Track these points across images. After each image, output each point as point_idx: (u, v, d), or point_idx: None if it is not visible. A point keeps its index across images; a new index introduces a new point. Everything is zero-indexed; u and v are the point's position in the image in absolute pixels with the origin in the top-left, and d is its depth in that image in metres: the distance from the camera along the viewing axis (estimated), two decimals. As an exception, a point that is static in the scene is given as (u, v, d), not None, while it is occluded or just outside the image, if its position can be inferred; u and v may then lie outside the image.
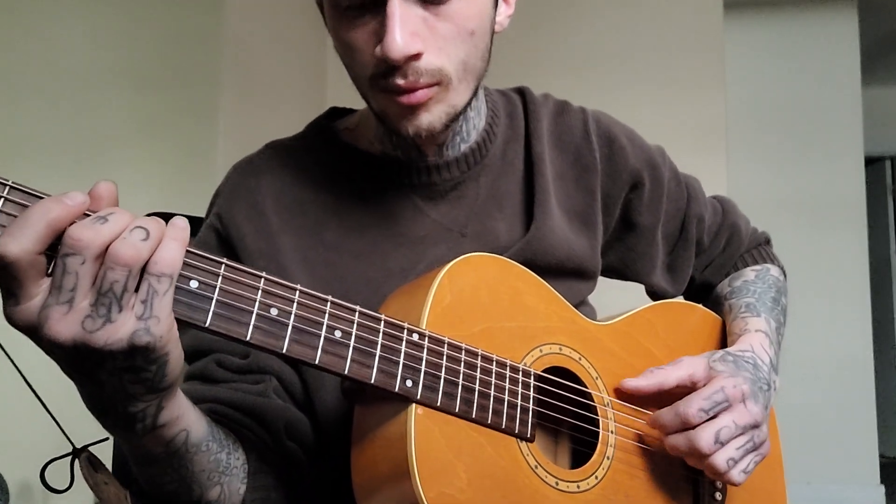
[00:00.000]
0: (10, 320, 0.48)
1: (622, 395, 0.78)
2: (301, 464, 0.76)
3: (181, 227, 0.50)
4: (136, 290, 0.48)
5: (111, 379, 0.50)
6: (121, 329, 0.47)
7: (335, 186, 0.83)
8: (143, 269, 0.48)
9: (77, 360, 0.48)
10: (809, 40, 3.84)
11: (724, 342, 0.94)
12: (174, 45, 2.20)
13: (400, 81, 0.68)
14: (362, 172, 0.84)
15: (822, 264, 3.67)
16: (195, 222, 0.88)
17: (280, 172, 0.84)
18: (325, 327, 0.57)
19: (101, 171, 2.05)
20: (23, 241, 0.45)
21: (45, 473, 0.57)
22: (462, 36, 0.70)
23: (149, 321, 0.48)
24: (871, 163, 4.92)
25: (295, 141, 0.88)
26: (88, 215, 0.48)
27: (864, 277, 3.73)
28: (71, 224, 0.46)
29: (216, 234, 0.81)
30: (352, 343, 0.58)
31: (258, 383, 0.76)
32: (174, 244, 0.49)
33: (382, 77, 0.69)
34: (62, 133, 2.01)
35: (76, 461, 0.58)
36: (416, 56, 0.68)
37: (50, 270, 0.47)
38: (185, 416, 0.59)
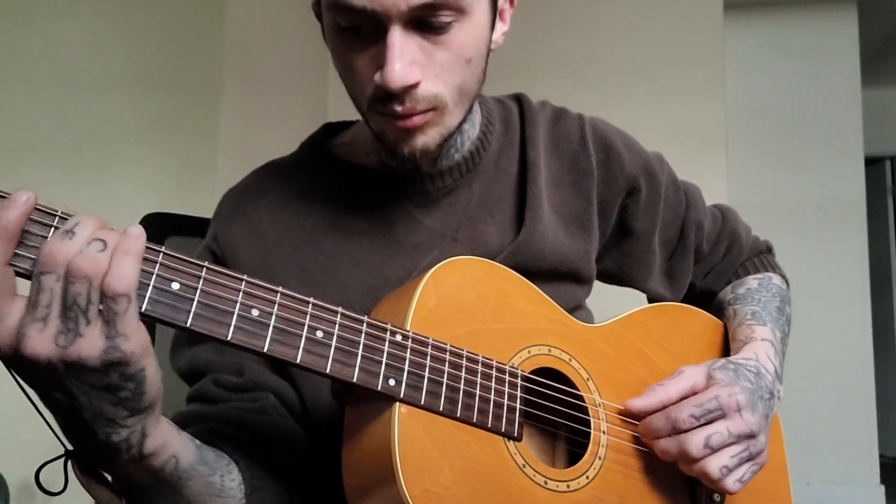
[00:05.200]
0: None
1: (625, 410, 0.78)
2: (299, 477, 0.77)
3: (135, 235, 0.50)
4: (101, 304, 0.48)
5: (90, 402, 0.50)
6: (91, 343, 0.48)
7: (331, 200, 0.84)
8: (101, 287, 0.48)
9: (54, 379, 0.49)
10: (809, 41, 3.84)
11: (726, 346, 0.94)
12: (176, 46, 2.21)
13: (398, 108, 0.70)
14: (358, 185, 0.85)
15: (822, 264, 3.67)
16: (196, 223, 0.90)
17: (276, 192, 0.85)
18: (306, 328, 0.58)
19: (102, 170, 2.06)
20: None
21: (41, 475, 0.58)
22: (459, 63, 0.72)
23: (116, 339, 0.48)
24: (871, 163, 4.91)
25: (290, 159, 0.90)
26: (55, 216, 0.49)
27: (864, 278, 3.73)
28: (23, 224, 0.48)
29: (212, 256, 0.83)
30: (333, 343, 0.59)
31: (256, 401, 0.77)
32: (127, 259, 0.49)
33: (380, 102, 0.71)
34: (64, 133, 2.02)
35: (69, 463, 0.58)
36: (415, 85, 0.69)
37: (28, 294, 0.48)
38: (171, 443, 0.59)
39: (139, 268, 0.50)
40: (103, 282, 0.48)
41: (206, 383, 0.78)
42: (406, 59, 0.68)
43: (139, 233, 0.50)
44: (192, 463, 0.62)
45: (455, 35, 0.70)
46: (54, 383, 0.49)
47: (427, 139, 0.74)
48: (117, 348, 0.48)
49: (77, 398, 0.50)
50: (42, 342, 0.47)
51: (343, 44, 0.72)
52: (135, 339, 0.49)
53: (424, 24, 0.68)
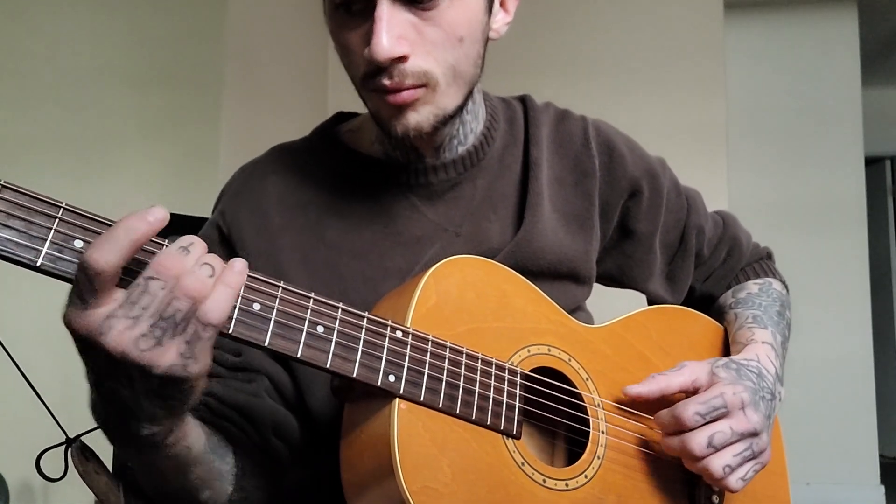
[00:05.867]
0: (70, 322, 0.50)
1: (620, 398, 0.78)
2: (286, 463, 0.78)
3: (238, 270, 0.53)
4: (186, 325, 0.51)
5: (138, 399, 0.53)
6: (165, 356, 0.50)
7: (337, 187, 0.85)
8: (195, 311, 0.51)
9: (119, 371, 0.51)
10: (809, 41, 3.84)
11: (726, 349, 0.94)
12: (177, 45, 2.21)
13: (386, 82, 0.71)
14: (362, 174, 0.85)
15: (822, 265, 3.68)
16: (196, 223, 0.89)
17: (284, 174, 0.86)
18: (307, 322, 0.59)
19: (103, 170, 2.06)
20: (109, 256, 0.48)
21: (41, 464, 0.59)
22: (451, 41, 0.72)
23: (188, 360, 0.51)
24: (871, 163, 4.91)
25: (300, 144, 0.91)
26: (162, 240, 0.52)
27: (864, 278, 3.73)
28: (148, 240, 0.50)
29: (218, 232, 0.83)
30: (334, 338, 0.60)
31: (250, 381, 0.77)
32: (228, 293, 0.52)
33: (371, 77, 0.72)
34: (65, 132, 2.02)
35: (69, 450, 0.59)
36: (402, 58, 0.70)
37: (127, 286, 0.50)
38: (189, 434, 0.63)
39: (234, 302, 0.53)
40: (200, 308, 0.51)
41: None
42: (394, 33, 0.68)
43: (242, 267, 0.54)
44: (202, 451, 0.66)
45: (444, 11, 0.71)
46: (118, 375, 0.52)
47: (420, 118, 0.74)
48: (185, 368, 0.51)
49: (132, 393, 0.53)
50: (125, 339, 0.49)
51: (338, 23, 0.73)
52: (202, 363, 0.53)
53: None
